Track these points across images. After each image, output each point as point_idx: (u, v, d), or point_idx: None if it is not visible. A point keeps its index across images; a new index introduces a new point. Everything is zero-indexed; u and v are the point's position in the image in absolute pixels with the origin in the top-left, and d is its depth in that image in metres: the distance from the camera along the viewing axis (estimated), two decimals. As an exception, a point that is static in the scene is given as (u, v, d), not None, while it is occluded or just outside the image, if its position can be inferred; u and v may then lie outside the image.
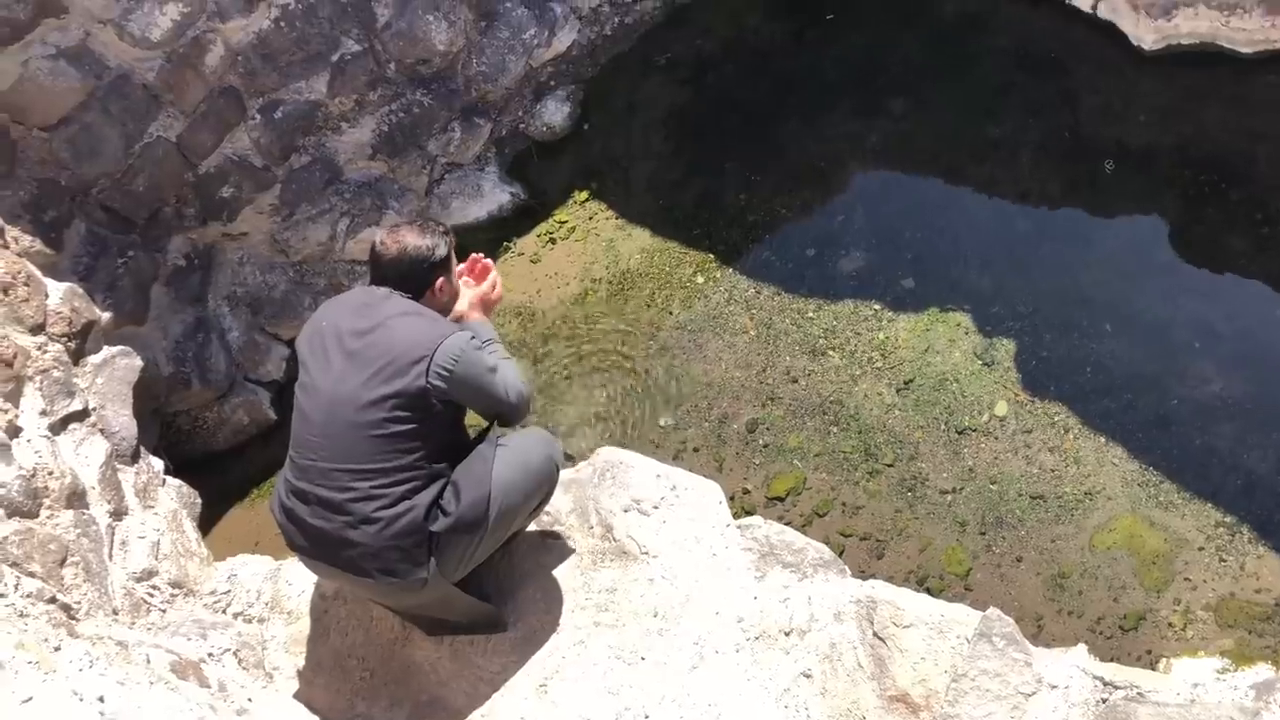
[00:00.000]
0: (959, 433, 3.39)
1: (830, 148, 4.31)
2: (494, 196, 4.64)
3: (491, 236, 4.57)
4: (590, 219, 4.46)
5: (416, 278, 2.86)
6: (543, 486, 3.01)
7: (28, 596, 2.71)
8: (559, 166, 4.68)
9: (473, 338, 2.85)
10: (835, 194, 4.22)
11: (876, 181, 4.23)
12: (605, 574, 3.14)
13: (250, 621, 3.48)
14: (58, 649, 2.07)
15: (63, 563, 3.00)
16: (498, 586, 3.16)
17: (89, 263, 3.94)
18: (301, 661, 3.26)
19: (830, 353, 3.75)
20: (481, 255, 3.09)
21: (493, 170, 4.71)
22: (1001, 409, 3.39)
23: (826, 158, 4.29)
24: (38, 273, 3.63)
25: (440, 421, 2.82)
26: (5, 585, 2.62)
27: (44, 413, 3.37)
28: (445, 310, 2.94)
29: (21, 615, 2.49)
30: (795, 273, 4.00)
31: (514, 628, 3.09)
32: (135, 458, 3.70)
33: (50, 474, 3.15)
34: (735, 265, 4.09)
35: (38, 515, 3.04)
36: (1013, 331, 3.53)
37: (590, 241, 4.39)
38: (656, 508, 3.21)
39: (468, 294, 3.05)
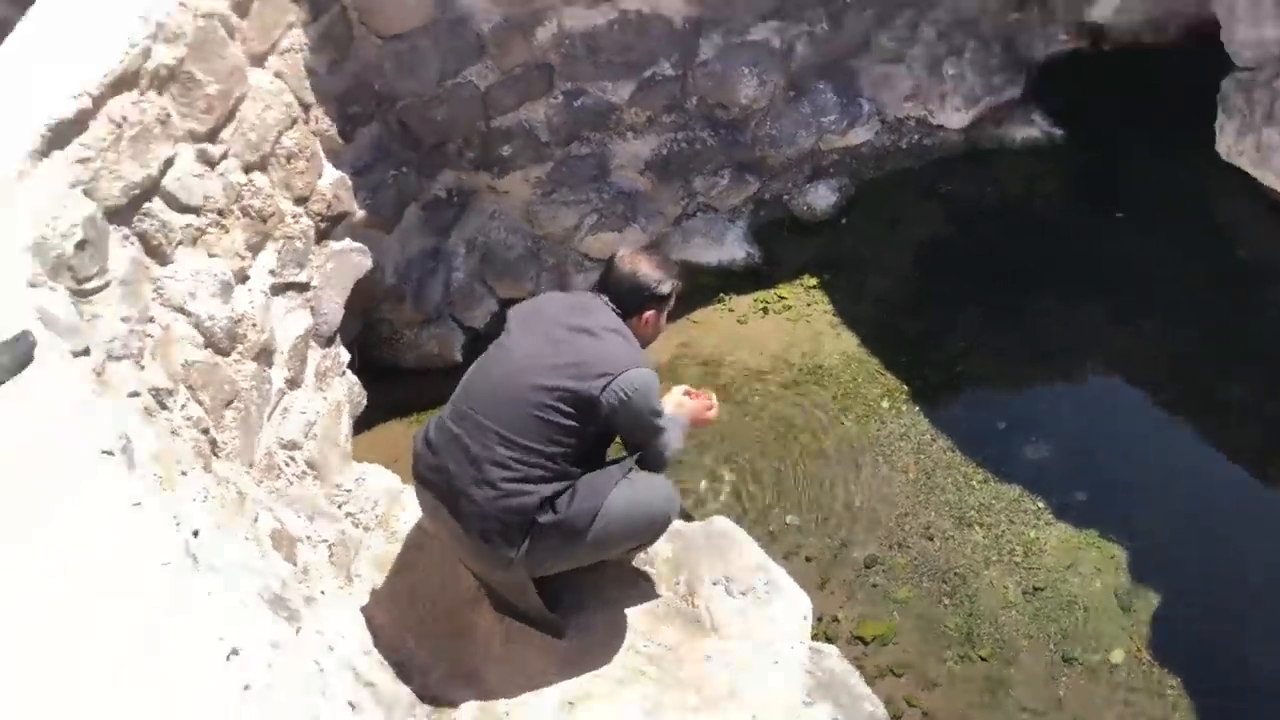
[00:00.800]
0: (1065, 660, 3.25)
1: (1069, 335, 4.20)
2: (731, 249, 4.77)
3: (713, 284, 4.70)
4: (809, 305, 4.52)
5: (635, 300, 3.07)
6: (650, 529, 3.11)
7: (188, 419, 3.02)
8: (803, 247, 4.76)
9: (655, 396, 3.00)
10: (1053, 381, 4.12)
11: (1099, 387, 4.10)
12: (670, 632, 3.19)
13: (357, 525, 3.72)
14: (185, 474, 2.31)
15: (229, 404, 3.31)
16: (573, 597, 3.26)
17: (368, 163, 4.31)
18: (381, 580, 3.46)
19: (976, 527, 3.67)
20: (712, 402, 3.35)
21: (741, 226, 4.84)
22: (1118, 656, 3.23)
23: (1061, 344, 4.19)
24: (321, 153, 4.02)
25: (593, 434, 2.98)
26: (174, 401, 2.92)
27: (272, 272, 3.72)
28: (645, 342, 3.10)
29: (174, 432, 2.77)
30: (978, 438, 3.93)
31: (569, 639, 3.19)
32: (329, 343, 4.03)
33: (253, 325, 3.48)
34: (924, 405, 4.06)
35: (228, 355, 3.37)
36: (1164, 589, 3.35)
37: (800, 326, 4.45)
38: (744, 594, 3.23)
39: (687, 402, 3.32)
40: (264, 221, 3.67)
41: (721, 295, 4.66)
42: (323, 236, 4.05)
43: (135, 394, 2.69)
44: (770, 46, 4.54)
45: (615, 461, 3.15)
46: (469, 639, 3.30)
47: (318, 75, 3.96)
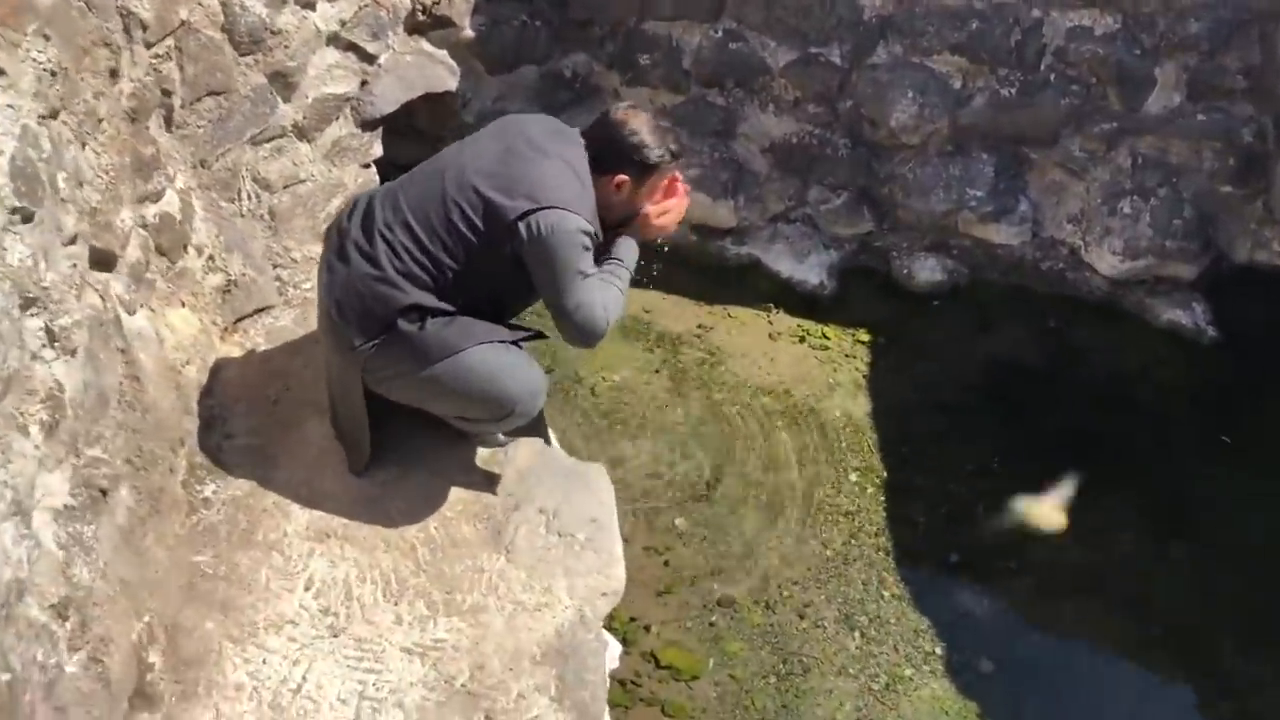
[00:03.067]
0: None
1: (1089, 550, 3.53)
2: (808, 271, 4.35)
3: (770, 291, 4.30)
4: (846, 356, 4.06)
5: (612, 156, 2.72)
6: (495, 405, 2.76)
7: (157, 70, 2.91)
8: (879, 304, 4.30)
9: (591, 235, 2.64)
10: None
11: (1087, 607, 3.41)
12: (467, 530, 2.84)
13: (281, 293, 3.52)
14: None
15: (212, 94, 3.21)
16: (402, 453, 2.95)
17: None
18: (262, 347, 3.26)
19: (857, 634, 3.13)
20: (684, 184, 2.87)
21: (832, 255, 4.41)
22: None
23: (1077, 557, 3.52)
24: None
25: (499, 271, 2.67)
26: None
27: (342, 23, 3.61)
28: (609, 213, 2.76)
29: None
30: (923, 564, 3.39)
31: (367, 480, 2.88)
32: (367, 128, 3.85)
33: (284, 46, 3.37)
34: (888, 503, 3.53)
35: (239, 53, 3.26)
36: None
37: (824, 369, 4.00)
38: (559, 535, 2.83)
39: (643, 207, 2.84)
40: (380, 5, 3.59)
41: (770, 306, 4.25)
42: (416, 29, 3.91)
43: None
44: (947, 83, 4.11)
45: (511, 328, 2.83)
46: (287, 431, 3.04)
47: None
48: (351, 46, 3.70)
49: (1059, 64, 4.03)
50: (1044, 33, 3.98)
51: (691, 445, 3.66)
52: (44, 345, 2.07)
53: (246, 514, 2.77)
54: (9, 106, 2.10)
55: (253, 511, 2.80)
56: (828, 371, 3.99)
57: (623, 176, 2.72)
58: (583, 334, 2.69)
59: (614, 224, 2.80)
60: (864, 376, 3.98)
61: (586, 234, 2.64)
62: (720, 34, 4.24)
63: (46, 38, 2.27)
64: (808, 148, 4.32)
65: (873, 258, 4.45)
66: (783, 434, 3.72)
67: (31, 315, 2.05)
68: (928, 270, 4.37)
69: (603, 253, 2.78)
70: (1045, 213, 4.34)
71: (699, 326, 4.13)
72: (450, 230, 2.65)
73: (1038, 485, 3.63)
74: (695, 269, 4.39)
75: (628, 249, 2.85)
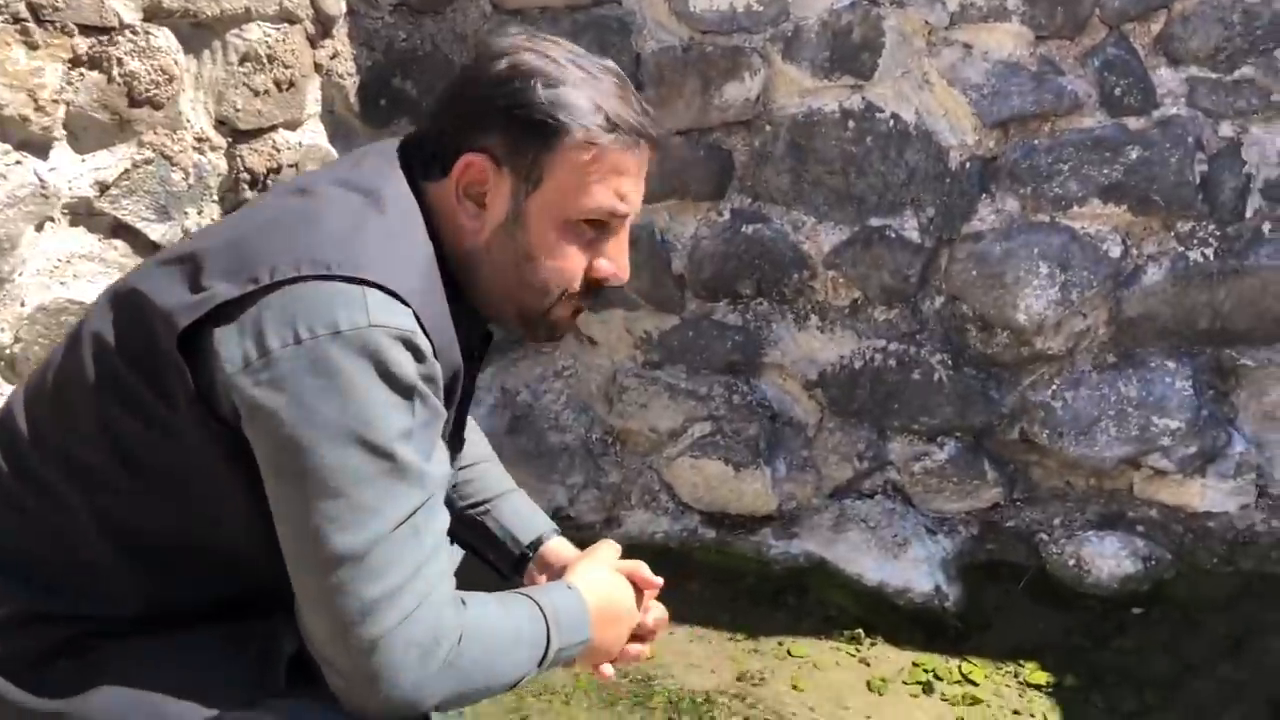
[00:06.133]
0: None
1: None
2: (911, 572, 2.61)
3: (853, 610, 2.55)
4: (1013, 713, 2.22)
5: (466, 124, 1.18)
6: None
7: None
8: (1041, 621, 2.53)
9: (419, 351, 1.07)
10: None
11: None
12: None
13: None
14: None
15: None
16: None
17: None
18: None
19: None
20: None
21: (943, 545, 2.69)
22: None
23: None
24: None
25: (209, 487, 1.09)
26: None
27: None
28: (458, 231, 1.20)
29: None
30: None
31: None
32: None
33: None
34: None
35: None
36: None
37: (982, 741, 2.15)
38: None
39: (617, 591, 1.34)
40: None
41: (858, 634, 2.47)
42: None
43: None
44: (1100, 249, 2.58)
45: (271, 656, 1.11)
46: None
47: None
48: (119, 229, 2.20)
49: (1274, 206, 2.55)
50: (1244, 157, 2.53)
51: None
52: None
53: None
54: None
55: None
56: (991, 751, 2.14)
57: (478, 158, 1.16)
58: (363, 685, 1.05)
59: (488, 293, 1.23)
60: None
61: (411, 348, 1.06)
62: (727, 215, 2.78)
63: None
64: (880, 376, 2.73)
65: (1010, 544, 2.71)
66: None
67: None
68: (1107, 558, 2.62)
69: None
70: (1273, 451, 2.69)
71: (740, 679, 2.32)
72: (99, 425, 1.11)
73: None
74: (720, 582, 2.67)
75: (567, 599, 1.27)
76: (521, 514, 1.54)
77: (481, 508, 1.54)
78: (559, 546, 1.50)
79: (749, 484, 2.78)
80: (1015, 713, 2.23)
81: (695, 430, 2.84)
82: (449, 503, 1.53)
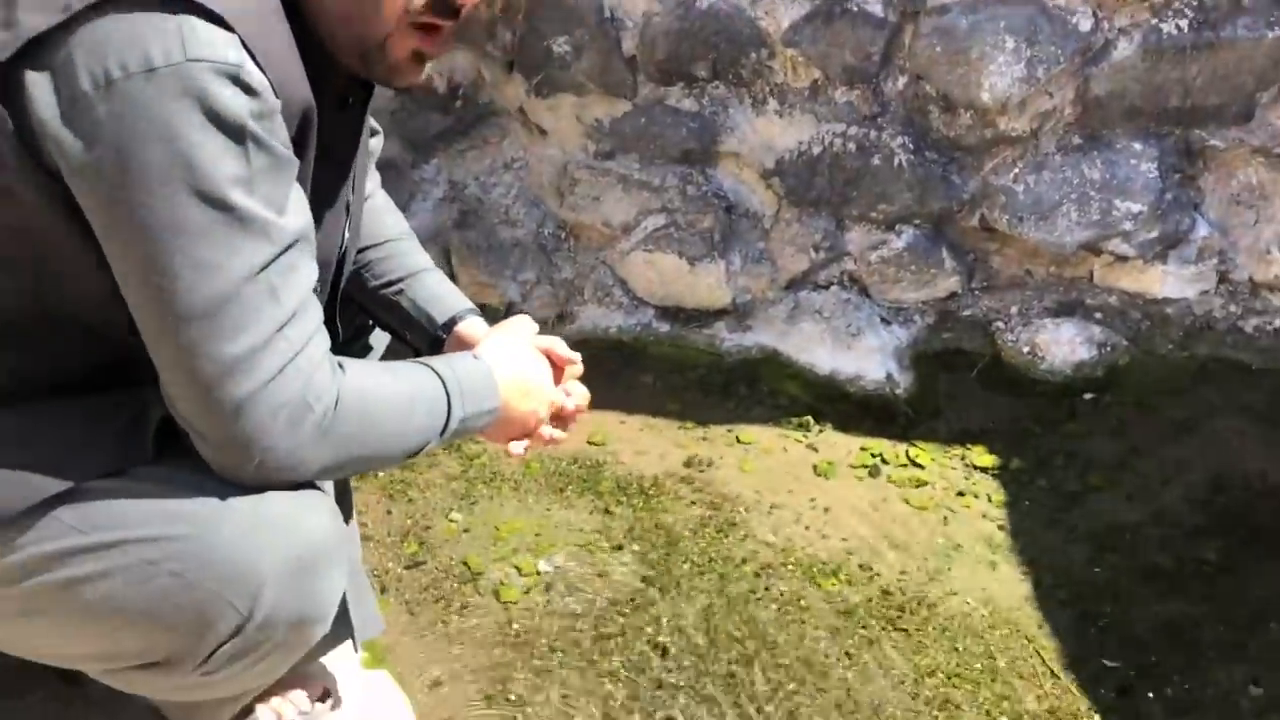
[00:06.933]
0: None
1: None
2: (865, 361, 2.60)
3: (803, 398, 2.54)
4: (958, 495, 2.25)
5: None
6: (177, 626, 0.98)
7: None
8: (994, 406, 2.53)
9: (253, 90, 0.97)
10: None
11: None
12: None
13: None
14: None
15: None
16: None
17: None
18: None
19: None
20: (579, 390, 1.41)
21: (899, 334, 2.67)
22: None
23: None
24: None
25: (48, 246, 0.99)
26: None
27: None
28: (329, 23, 1.07)
29: None
30: None
31: None
32: None
33: None
34: None
35: None
36: None
37: (922, 520, 2.18)
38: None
39: (529, 369, 1.32)
40: None
41: (808, 420, 2.47)
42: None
43: None
44: (1069, 22, 2.45)
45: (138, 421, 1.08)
46: None
47: None
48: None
49: (1257, -28, 2.41)
50: (1228, -83, 2.37)
51: (695, 708, 1.78)
52: None
53: None
54: None
55: None
56: (927, 525, 2.16)
57: None
58: (234, 452, 1.00)
59: (328, 18, 1.08)
60: (1001, 529, 2.16)
61: (239, 82, 0.96)
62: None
63: None
64: (839, 160, 2.63)
65: (966, 333, 2.70)
66: (871, 654, 1.86)
67: None
68: (1062, 345, 2.61)
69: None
70: (1237, 243, 2.62)
71: (688, 464, 2.32)
72: None
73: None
74: (673, 373, 2.65)
75: (471, 367, 1.24)
76: (437, 294, 1.48)
77: (395, 287, 1.47)
78: (475, 326, 1.45)
79: (704, 278, 2.72)
80: (960, 494, 2.25)
81: (649, 223, 2.76)
82: (360, 281, 1.47)
